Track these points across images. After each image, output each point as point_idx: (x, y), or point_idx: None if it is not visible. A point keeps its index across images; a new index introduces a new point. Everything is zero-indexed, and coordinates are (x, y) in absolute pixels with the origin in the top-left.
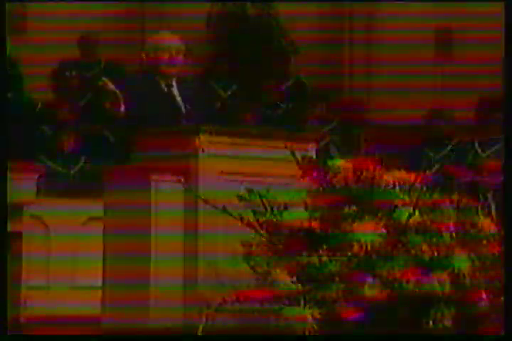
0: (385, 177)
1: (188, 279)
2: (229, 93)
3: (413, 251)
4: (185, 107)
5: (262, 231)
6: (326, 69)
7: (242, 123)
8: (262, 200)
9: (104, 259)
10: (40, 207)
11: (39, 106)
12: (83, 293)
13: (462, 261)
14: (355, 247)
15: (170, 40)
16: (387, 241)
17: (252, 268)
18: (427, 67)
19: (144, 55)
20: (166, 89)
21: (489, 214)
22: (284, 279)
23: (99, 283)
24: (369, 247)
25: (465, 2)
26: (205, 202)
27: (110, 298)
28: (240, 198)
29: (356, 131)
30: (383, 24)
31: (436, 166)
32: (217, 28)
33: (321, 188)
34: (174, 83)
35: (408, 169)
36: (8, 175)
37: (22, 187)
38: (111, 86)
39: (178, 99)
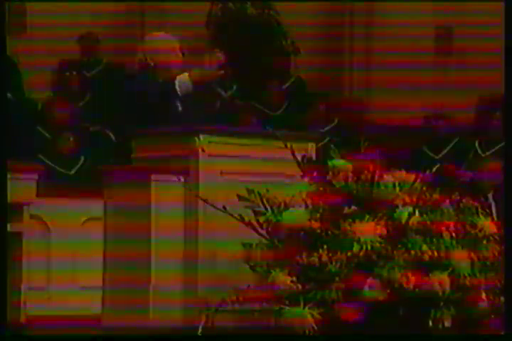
0: (385, 177)
1: (188, 279)
2: (229, 93)
3: (413, 251)
4: (185, 108)
5: (262, 231)
6: (326, 70)
7: (242, 124)
8: (262, 200)
9: (104, 259)
10: (40, 207)
11: (39, 106)
12: (83, 293)
13: (462, 262)
14: (355, 247)
15: (167, 41)
16: (387, 241)
17: (252, 268)
18: (427, 66)
19: (141, 56)
20: (166, 90)
21: (489, 214)
22: (284, 279)
23: (100, 283)
24: (369, 247)
25: (465, 2)
26: (205, 202)
27: (110, 298)
28: (240, 198)
29: (356, 130)
30: (383, 21)
31: (436, 166)
32: (217, 27)
33: (321, 188)
34: (174, 83)
35: (408, 169)
36: (8, 175)
37: (22, 187)
38: None
39: (178, 99)
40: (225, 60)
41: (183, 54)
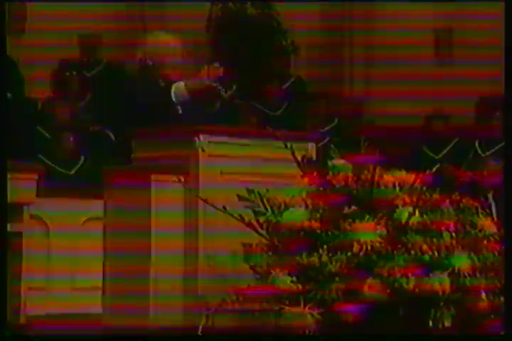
0: (385, 177)
1: (188, 279)
2: (229, 93)
3: (413, 251)
4: (184, 108)
5: (262, 231)
6: (326, 70)
7: (242, 124)
8: (262, 200)
9: (104, 259)
10: (40, 207)
11: (39, 106)
12: (83, 292)
13: (462, 261)
14: (355, 247)
15: (168, 42)
16: (387, 241)
17: (252, 268)
18: (427, 66)
19: (142, 56)
20: (165, 91)
21: (489, 214)
22: (284, 279)
23: (99, 282)
24: (369, 247)
25: (465, 2)
26: (205, 202)
27: (110, 297)
28: (240, 198)
29: (356, 130)
30: (383, 24)
31: (436, 166)
32: (217, 28)
33: (321, 188)
34: (174, 84)
35: (408, 169)
36: (8, 175)
37: (22, 187)
38: None
39: (178, 100)
40: (224, 72)
41: (183, 56)
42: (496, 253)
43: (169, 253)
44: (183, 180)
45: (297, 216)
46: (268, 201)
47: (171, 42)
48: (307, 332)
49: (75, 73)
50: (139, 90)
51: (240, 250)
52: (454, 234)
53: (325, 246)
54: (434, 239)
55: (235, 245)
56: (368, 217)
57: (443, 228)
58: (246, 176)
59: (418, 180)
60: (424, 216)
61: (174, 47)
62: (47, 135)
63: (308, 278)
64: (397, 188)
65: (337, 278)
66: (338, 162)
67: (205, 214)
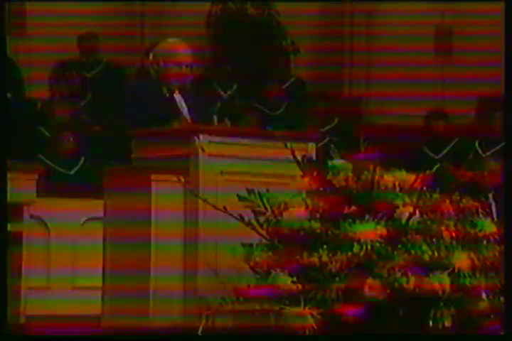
0: (385, 177)
1: (188, 279)
2: (229, 93)
3: (413, 252)
4: (185, 110)
5: (262, 231)
6: (326, 70)
7: (243, 124)
8: (262, 200)
9: (104, 259)
10: (40, 207)
11: (39, 106)
12: (83, 292)
13: (462, 261)
14: (355, 247)
15: (183, 53)
16: (388, 242)
17: (252, 268)
18: (426, 66)
19: (152, 59)
20: (166, 93)
21: (489, 214)
22: (284, 279)
23: (99, 282)
24: (369, 247)
25: (465, 2)
26: (205, 201)
27: (110, 297)
28: (240, 198)
29: (356, 130)
30: (383, 22)
31: (436, 166)
32: (217, 28)
33: (321, 188)
34: (175, 89)
35: (408, 169)
36: (8, 175)
37: (22, 187)
38: None
39: (179, 102)
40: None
41: (191, 68)
42: (496, 253)
43: (169, 253)
44: (183, 180)
45: (297, 216)
46: (268, 201)
47: (183, 53)
48: (307, 332)
49: (75, 73)
50: (140, 92)
51: (240, 250)
52: (454, 234)
53: (325, 246)
54: (434, 239)
55: (235, 245)
56: (368, 217)
57: (443, 228)
58: (246, 176)
59: (418, 180)
60: (424, 216)
61: (187, 61)
62: (47, 135)
63: (308, 278)
64: (397, 188)
65: (337, 278)
66: (338, 162)
67: (205, 214)
